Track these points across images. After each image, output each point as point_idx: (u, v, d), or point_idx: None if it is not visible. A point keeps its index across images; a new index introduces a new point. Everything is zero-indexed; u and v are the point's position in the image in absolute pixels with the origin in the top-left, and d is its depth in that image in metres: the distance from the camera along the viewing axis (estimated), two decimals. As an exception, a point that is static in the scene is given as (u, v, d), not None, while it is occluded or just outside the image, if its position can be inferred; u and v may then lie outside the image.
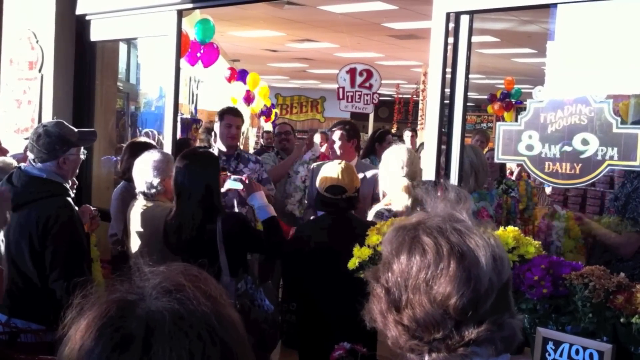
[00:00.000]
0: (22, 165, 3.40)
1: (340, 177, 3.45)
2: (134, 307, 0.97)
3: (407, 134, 9.87)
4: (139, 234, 3.77)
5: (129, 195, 4.10)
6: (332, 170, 3.51)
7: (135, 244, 3.81)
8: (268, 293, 3.60)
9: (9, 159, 3.92)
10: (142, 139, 4.97)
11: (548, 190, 5.86)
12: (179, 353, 0.92)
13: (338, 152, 4.98)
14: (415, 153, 4.09)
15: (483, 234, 1.34)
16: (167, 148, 4.72)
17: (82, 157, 3.49)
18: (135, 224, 3.80)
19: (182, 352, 0.93)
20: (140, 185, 3.80)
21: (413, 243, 1.33)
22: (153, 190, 3.76)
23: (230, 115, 4.84)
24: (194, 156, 3.61)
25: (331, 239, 3.41)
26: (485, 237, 1.33)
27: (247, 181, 3.68)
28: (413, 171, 3.75)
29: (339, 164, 3.57)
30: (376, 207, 3.78)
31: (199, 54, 6.74)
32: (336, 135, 5.07)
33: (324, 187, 3.47)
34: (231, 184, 3.72)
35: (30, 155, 3.32)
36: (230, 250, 3.42)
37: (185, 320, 0.95)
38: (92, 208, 3.93)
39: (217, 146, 4.88)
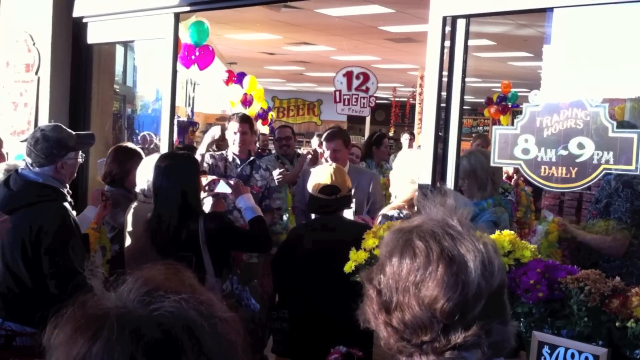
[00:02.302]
0: (19, 168, 3.38)
1: (333, 177, 3.48)
2: (136, 312, 0.96)
3: (405, 137, 9.87)
4: (131, 232, 3.79)
5: (116, 198, 4.11)
6: (323, 173, 3.54)
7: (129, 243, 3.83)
8: (253, 292, 3.61)
9: (18, 162, 3.91)
10: (129, 144, 4.92)
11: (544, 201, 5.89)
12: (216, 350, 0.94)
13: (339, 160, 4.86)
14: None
15: (477, 240, 1.34)
16: (164, 150, 4.71)
17: (80, 160, 3.48)
18: (130, 224, 3.81)
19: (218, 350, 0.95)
20: (141, 184, 3.82)
21: (405, 246, 1.35)
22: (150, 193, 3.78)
23: (233, 122, 4.80)
24: (172, 157, 3.66)
25: (323, 242, 3.43)
26: (477, 243, 1.34)
27: (234, 184, 3.75)
28: None
29: (330, 166, 3.61)
30: (385, 210, 3.79)
31: (193, 57, 6.73)
32: (337, 144, 5.01)
33: (317, 189, 3.50)
34: (220, 187, 3.75)
35: (28, 160, 3.29)
36: (214, 250, 3.43)
37: (210, 323, 0.97)
38: (105, 189, 4.00)
39: (232, 150, 4.82)
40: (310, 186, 3.57)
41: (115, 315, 0.95)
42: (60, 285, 3.13)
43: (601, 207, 3.62)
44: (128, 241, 3.84)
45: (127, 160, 4.34)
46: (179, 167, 3.50)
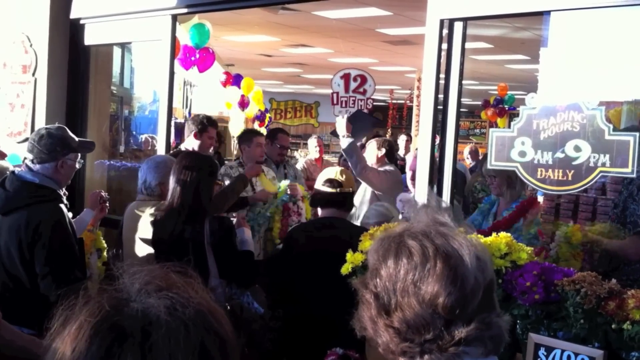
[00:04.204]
0: (16, 169, 3.39)
1: (338, 175, 3.67)
2: (127, 304, 0.98)
3: (402, 138, 9.86)
4: (133, 234, 3.80)
5: None
6: (331, 170, 3.77)
7: (127, 245, 3.82)
8: (256, 296, 3.63)
9: (5, 163, 3.92)
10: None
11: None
12: (177, 341, 0.94)
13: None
14: None
15: (465, 236, 1.37)
16: (161, 152, 4.71)
17: (78, 165, 3.49)
18: (127, 225, 3.82)
19: (180, 339, 0.94)
20: (139, 185, 3.87)
21: (399, 247, 1.36)
22: (149, 190, 3.81)
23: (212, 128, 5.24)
24: (192, 157, 3.73)
25: (319, 242, 3.46)
26: (467, 238, 1.36)
27: (237, 219, 3.90)
28: None
29: (338, 167, 3.88)
30: None
31: (193, 58, 6.71)
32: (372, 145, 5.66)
33: (322, 180, 3.68)
34: None
35: (29, 156, 3.30)
36: (218, 252, 3.44)
37: (179, 312, 0.97)
38: (103, 193, 3.97)
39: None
40: (317, 180, 3.77)
41: (112, 304, 0.98)
42: (52, 286, 3.12)
43: (618, 211, 3.64)
44: (130, 240, 3.84)
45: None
46: (198, 166, 3.55)
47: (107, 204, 4.03)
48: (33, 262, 3.18)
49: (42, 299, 3.14)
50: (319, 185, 3.72)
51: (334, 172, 3.74)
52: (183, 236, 3.44)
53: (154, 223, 3.55)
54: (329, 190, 3.64)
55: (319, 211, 3.82)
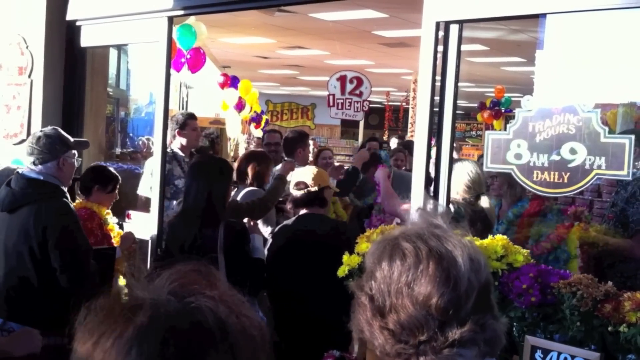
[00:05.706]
0: (20, 169, 3.46)
1: (306, 176, 3.73)
2: (155, 305, 0.98)
3: (393, 141, 9.88)
4: None
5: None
6: (300, 173, 3.85)
7: None
8: (262, 305, 3.64)
9: (13, 165, 3.98)
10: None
11: None
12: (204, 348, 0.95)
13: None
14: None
15: (460, 238, 1.38)
16: (157, 154, 4.71)
17: (77, 163, 3.57)
18: None
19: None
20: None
21: (393, 250, 1.37)
22: None
23: (194, 121, 5.32)
24: (206, 159, 3.74)
25: (302, 240, 3.55)
26: (461, 240, 1.37)
27: (248, 223, 3.91)
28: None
29: (308, 167, 3.97)
30: None
31: (183, 59, 6.69)
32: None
33: (292, 184, 3.78)
34: None
35: (30, 158, 3.37)
36: (230, 258, 3.44)
37: (211, 315, 0.98)
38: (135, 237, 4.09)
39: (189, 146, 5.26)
40: (290, 186, 3.87)
41: (149, 305, 0.97)
42: (72, 278, 3.21)
43: (617, 210, 3.66)
44: None
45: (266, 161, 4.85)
46: (212, 169, 3.58)
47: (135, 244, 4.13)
48: (43, 260, 3.25)
49: (49, 297, 3.20)
50: (291, 188, 3.82)
51: (301, 173, 3.82)
52: (196, 240, 3.44)
53: (167, 226, 3.57)
54: (297, 192, 3.71)
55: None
